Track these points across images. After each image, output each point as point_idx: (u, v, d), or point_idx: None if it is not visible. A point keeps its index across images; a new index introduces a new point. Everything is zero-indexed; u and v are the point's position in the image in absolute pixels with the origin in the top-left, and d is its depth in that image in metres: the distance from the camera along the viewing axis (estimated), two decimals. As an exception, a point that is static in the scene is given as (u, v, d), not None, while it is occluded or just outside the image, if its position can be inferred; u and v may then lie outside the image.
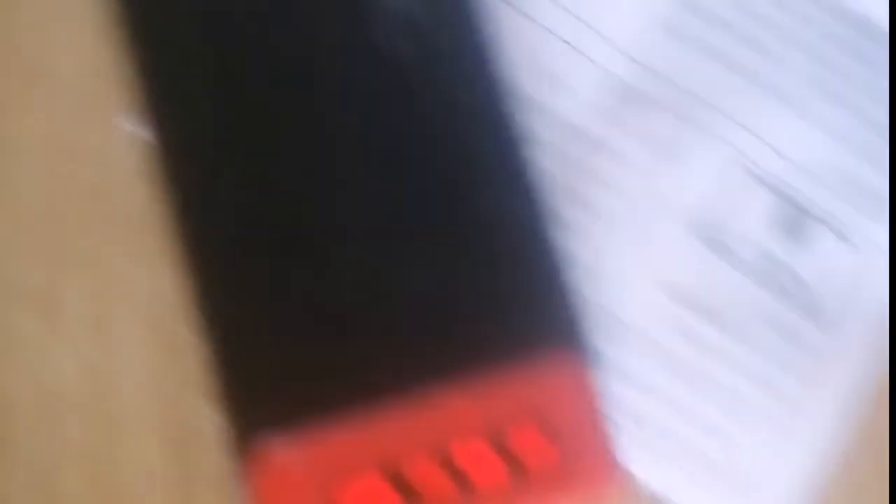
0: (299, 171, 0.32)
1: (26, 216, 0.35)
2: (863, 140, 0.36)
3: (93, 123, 0.35)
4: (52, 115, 0.35)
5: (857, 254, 0.36)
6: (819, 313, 0.35)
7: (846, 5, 0.36)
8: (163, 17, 0.33)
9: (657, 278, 0.35)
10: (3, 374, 0.34)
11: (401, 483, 0.31)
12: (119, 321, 0.34)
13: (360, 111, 0.33)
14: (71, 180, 0.35)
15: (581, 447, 0.32)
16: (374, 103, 0.33)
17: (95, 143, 0.35)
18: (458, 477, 0.31)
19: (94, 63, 0.35)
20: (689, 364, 0.35)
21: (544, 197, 0.34)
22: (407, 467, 0.31)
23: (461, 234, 0.32)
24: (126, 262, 0.35)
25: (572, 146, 0.36)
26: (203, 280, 0.32)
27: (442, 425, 0.31)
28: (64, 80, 0.35)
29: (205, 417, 0.34)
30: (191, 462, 0.34)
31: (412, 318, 0.32)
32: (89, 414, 0.34)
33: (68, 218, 0.35)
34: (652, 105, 0.36)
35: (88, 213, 0.35)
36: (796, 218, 0.36)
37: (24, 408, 0.34)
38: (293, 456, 0.31)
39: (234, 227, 0.32)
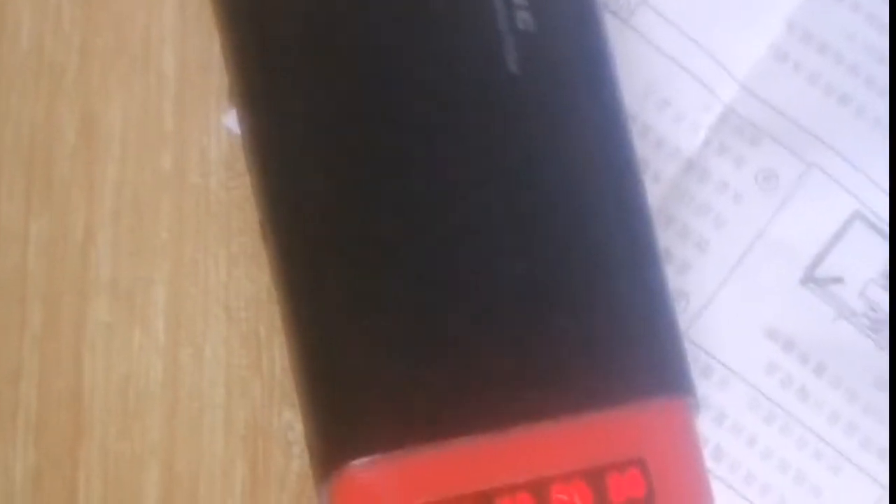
0: (401, 182, 0.31)
1: (111, 204, 0.34)
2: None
3: (189, 117, 0.35)
4: (149, 106, 0.35)
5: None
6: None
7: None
8: (264, 15, 0.32)
9: (759, 318, 0.34)
10: (82, 365, 0.33)
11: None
12: (201, 318, 0.34)
13: (469, 126, 0.31)
14: (160, 172, 0.34)
15: (676, 490, 0.30)
16: (485, 120, 0.32)
17: (190, 137, 0.34)
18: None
19: (196, 59, 0.35)
20: (793, 416, 0.34)
21: (656, 232, 0.32)
22: (498, 500, 0.29)
23: (574, 267, 0.31)
24: (212, 259, 0.34)
25: (683, 178, 0.35)
26: (293, 291, 0.31)
27: (543, 464, 0.30)
28: (165, 72, 0.35)
29: (287, 423, 0.33)
30: (265, 467, 0.33)
31: (520, 353, 0.30)
32: (168, 410, 0.33)
33: (154, 209, 0.34)
34: (769, 142, 0.35)
35: (175, 207, 0.34)
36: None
37: (102, 400, 0.33)
38: (382, 480, 0.29)
39: (330, 236, 0.31)
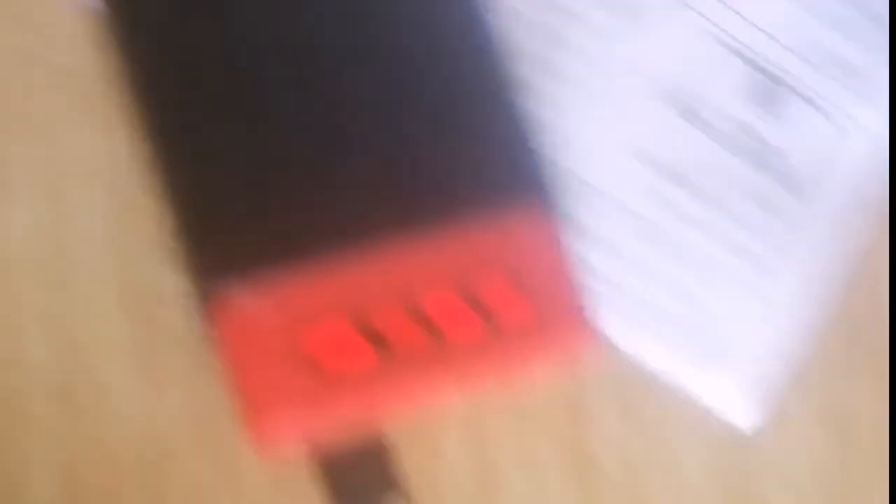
0: (256, 31, 0.32)
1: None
2: (836, 12, 0.35)
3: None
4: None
5: (832, 126, 0.35)
6: (792, 182, 0.35)
7: None
8: None
9: (628, 145, 0.35)
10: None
11: (369, 331, 0.30)
12: (71, 185, 0.34)
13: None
14: (14, 48, 0.34)
15: (552, 301, 0.31)
16: None
17: (41, 11, 0.34)
18: (428, 326, 0.30)
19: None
20: (662, 229, 0.35)
21: (511, 62, 0.33)
22: (375, 316, 0.30)
23: (429, 92, 0.32)
24: (76, 128, 0.34)
25: (536, 12, 0.35)
26: (155, 134, 0.32)
27: (411, 275, 0.31)
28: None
29: (164, 279, 0.33)
30: (151, 323, 0.33)
31: (379, 168, 0.31)
32: (45, 278, 0.33)
33: (12, 85, 0.34)
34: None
35: (34, 81, 0.34)
36: (769, 88, 0.35)
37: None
38: (257, 302, 0.30)
39: (187, 81, 0.32)
